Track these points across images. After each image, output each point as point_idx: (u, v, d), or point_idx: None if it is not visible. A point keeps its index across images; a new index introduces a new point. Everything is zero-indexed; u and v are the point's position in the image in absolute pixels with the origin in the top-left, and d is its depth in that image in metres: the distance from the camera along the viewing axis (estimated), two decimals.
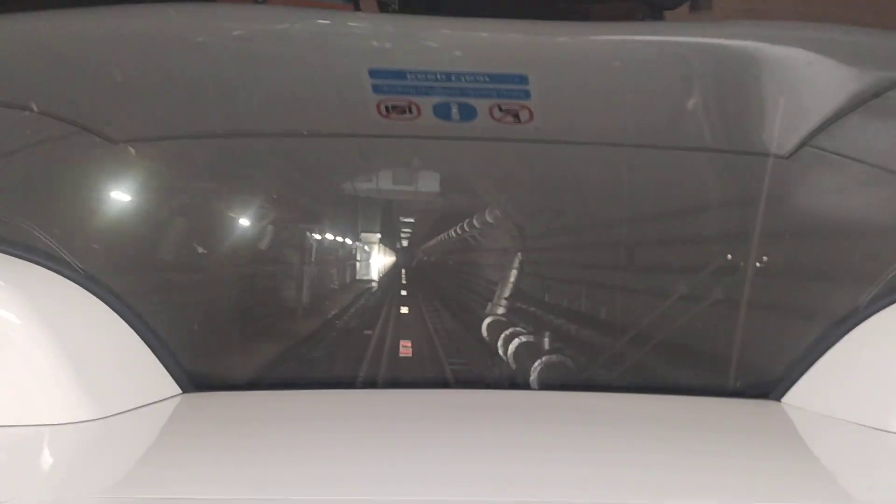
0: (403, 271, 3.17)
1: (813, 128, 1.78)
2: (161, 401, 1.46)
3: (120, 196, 1.95)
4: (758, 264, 1.74)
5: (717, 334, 1.80)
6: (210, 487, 1.00)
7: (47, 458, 1.18)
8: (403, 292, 3.07)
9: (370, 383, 1.80)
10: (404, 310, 2.84)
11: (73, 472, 1.13)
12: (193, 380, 1.55)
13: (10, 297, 1.35)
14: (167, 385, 1.50)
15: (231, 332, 2.01)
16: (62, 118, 1.83)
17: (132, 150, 1.91)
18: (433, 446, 1.20)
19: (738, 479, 1.09)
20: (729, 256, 1.82)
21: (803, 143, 1.81)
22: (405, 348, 2.28)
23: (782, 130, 1.83)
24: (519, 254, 2.50)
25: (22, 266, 1.45)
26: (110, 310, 1.49)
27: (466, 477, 1.05)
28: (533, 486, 1.01)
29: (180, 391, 1.51)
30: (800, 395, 1.48)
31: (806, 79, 1.75)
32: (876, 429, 1.29)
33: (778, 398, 1.50)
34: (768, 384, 1.54)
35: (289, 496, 0.96)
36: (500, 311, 2.38)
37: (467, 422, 1.37)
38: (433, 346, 2.43)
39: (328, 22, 1.99)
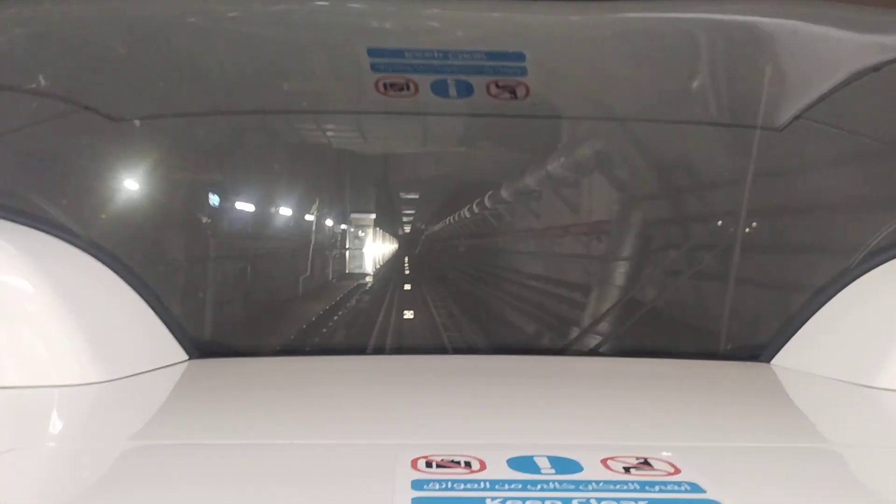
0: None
1: (810, 101, 1.81)
2: (169, 365, 1.50)
3: (124, 170, 1.99)
4: (748, 231, 1.78)
5: (709, 301, 1.84)
6: (225, 433, 1.05)
7: (63, 414, 1.23)
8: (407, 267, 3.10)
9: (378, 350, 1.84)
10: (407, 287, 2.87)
11: (89, 425, 1.17)
12: (200, 347, 1.59)
13: (24, 264, 1.39)
14: (175, 351, 1.54)
15: (237, 303, 2.06)
16: (65, 98, 1.87)
17: (134, 127, 1.95)
18: (444, 400, 1.25)
19: (723, 422, 1.14)
20: (720, 225, 1.86)
21: (797, 116, 1.84)
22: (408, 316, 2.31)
23: (778, 104, 1.87)
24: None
25: (34, 235, 1.49)
26: (118, 278, 1.53)
27: (469, 423, 1.10)
28: (536, 432, 1.06)
29: (187, 357, 1.55)
30: (789, 356, 1.52)
31: (804, 53, 1.78)
32: (862, 385, 1.33)
33: (768, 360, 1.55)
34: (759, 347, 1.58)
35: (294, 440, 1.01)
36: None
37: (466, 382, 1.42)
38: (431, 318, 2.46)
39: (326, 3, 2.02)
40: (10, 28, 1.85)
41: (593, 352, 1.73)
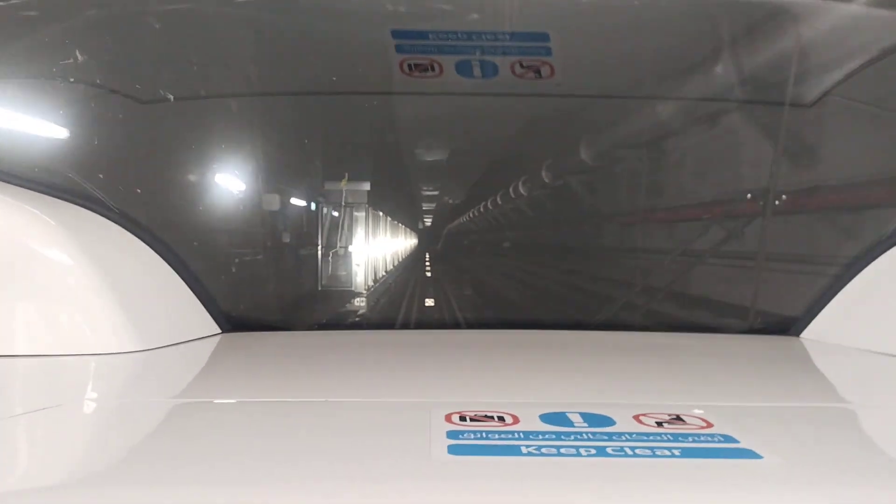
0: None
1: (839, 78, 1.80)
2: (204, 337, 1.53)
3: (158, 149, 2.02)
4: (777, 204, 1.77)
5: (740, 278, 1.84)
6: (263, 393, 1.08)
7: (101, 378, 1.26)
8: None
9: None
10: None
11: (128, 386, 1.20)
12: (232, 321, 1.62)
13: (62, 238, 1.42)
14: (208, 324, 1.57)
15: (268, 278, 2.09)
16: (94, 83, 1.91)
17: (165, 108, 1.98)
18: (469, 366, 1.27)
19: (751, 386, 1.14)
20: (749, 199, 1.86)
21: (827, 93, 1.83)
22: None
23: (806, 81, 1.86)
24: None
25: (72, 210, 1.52)
26: (153, 252, 1.56)
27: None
28: (569, 393, 1.07)
29: (220, 331, 1.58)
30: (819, 329, 1.52)
31: (833, 30, 1.77)
32: (891, 354, 1.33)
33: (798, 334, 1.55)
34: (789, 321, 1.58)
35: (330, 398, 1.03)
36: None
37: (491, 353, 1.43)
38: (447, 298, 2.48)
39: None
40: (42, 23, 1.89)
41: (623, 326, 1.74)
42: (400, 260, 3.50)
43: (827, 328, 1.51)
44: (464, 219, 3.30)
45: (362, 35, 2.06)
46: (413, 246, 3.44)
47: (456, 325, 1.98)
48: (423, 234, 3.41)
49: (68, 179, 1.60)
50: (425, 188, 3.35)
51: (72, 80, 1.85)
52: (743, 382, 1.17)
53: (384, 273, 3.18)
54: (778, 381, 1.17)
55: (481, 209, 3.20)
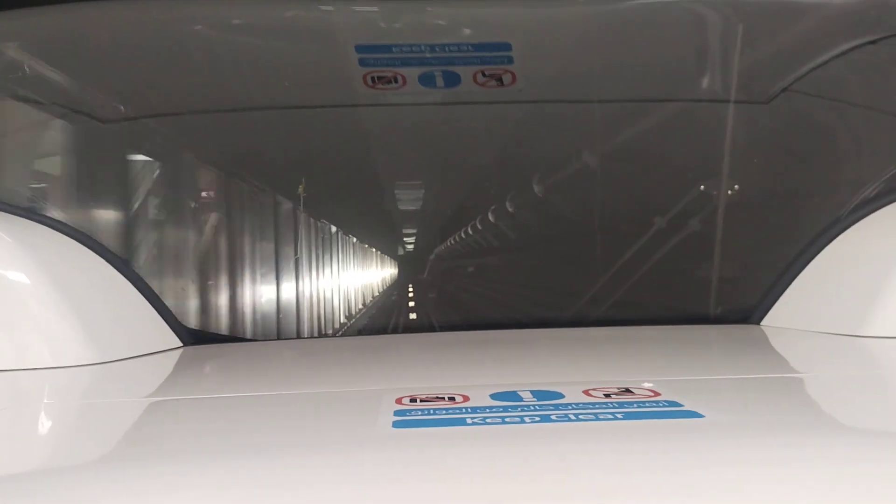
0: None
1: (799, 74, 1.84)
2: (165, 350, 1.52)
3: (113, 166, 2.03)
4: (730, 193, 1.80)
5: (697, 266, 1.85)
6: (233, 389, 1.08)
7: (59, 385, 1.24)
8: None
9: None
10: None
11: (85, 390, 1.19)
12: (194, 335, 1.61)
13: (20, 254, 1.42)
14: (170, 339, 1.56)
15: (226, 292, 2.08)
16: (55, 103, 1.92)
17: (123, 128, 1.99)
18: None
19: (703, 365, 1.16)
20: (704, 190, 1.89)
21: (784, 89, 1.87)
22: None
23: (764, 77, 1.90)
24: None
25: (31, 227, 1.52)
26: (112, 268, 1.55)
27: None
28: (521, 375, 1.07)
29: (181, 344, 1.57)
30: (779, 315, 1.53)
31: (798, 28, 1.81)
32: (850, 335, 1.34)
33: (758, 321, 1.56)
34: (749, 310, 1.59)
35: (281, 392, 1.03)
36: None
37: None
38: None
39: (330, 8, 2.05)
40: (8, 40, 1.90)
41: (583, 323, 1.75)
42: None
43: (787, 315, 1.52)
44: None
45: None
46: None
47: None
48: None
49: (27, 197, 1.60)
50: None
51: (35, 99, 1.86)
52: (696, 362, 1.18)
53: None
54: (731, 359, 1.18)
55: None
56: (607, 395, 0.90)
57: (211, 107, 2.09)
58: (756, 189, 1.90)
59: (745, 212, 1.88)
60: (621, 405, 0.85)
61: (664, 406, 0.84)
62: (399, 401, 0.91)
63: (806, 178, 1.87)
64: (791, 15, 1.85)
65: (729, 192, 1.80)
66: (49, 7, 1.90)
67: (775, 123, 1.94)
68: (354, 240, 3.34)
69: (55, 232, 1.54)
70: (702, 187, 1.84)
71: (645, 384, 0.96)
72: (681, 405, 0.84)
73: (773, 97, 1.94)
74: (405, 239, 3.38)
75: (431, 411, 0.86)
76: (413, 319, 2.51)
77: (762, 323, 1.55)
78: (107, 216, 1.94)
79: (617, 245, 1.94)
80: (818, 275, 1.50)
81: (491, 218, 2.65)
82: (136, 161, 2.04)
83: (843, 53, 1.78)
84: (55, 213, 1.65)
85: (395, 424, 0.81)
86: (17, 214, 1.53)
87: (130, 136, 2.00)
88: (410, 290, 2.76)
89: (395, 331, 2.36)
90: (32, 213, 1.56)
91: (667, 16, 1.96)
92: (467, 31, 2.01)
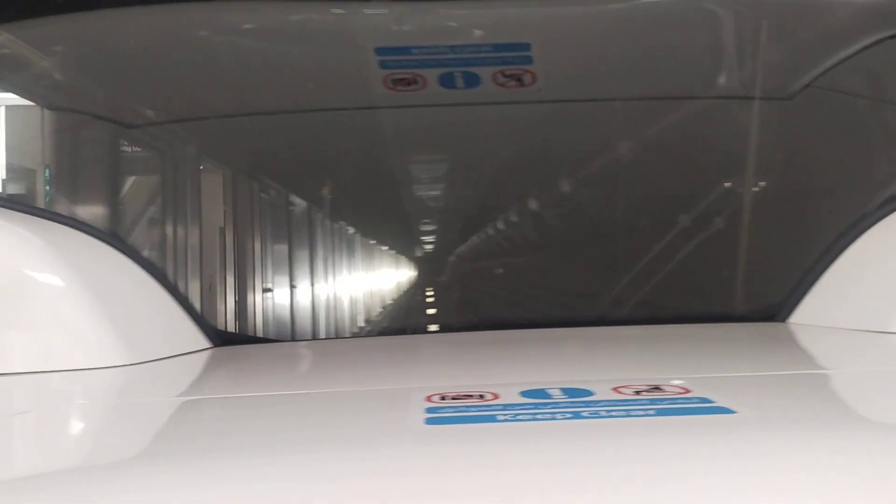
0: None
1: (820, 70, 1.83)
2: (194, 352, 1.53)
3: (142, 170, 2.05)
4: (755, 190, 1.79)
5: (723, 265, 1.85)
6: (266, 388, 1.09)
7: (88, 387, 1.26)
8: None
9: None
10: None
11: (115, 391, 1.21)
12: (221, 336, 1.63)
13: (49, 257, 1.44)
14: (198, 340, 1.58)
15: (254, 295, 2.10)
16: (79, 110, 1.95)
17: (146, 132, 2.01)
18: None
19: (731, 363, 1.15)
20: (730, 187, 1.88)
21: (807, 85, 1.86)
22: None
23: (786, 74, 1.89)
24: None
25: (60, 230, 1.54)
26: (141, 269, 1.57)
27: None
28: (550, 373, 1.08)
29: (210, 345, 1.59)
30: (805, 313, 1.52)
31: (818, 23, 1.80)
32: (877, 332, 1.33)
33: (784, 319, 1.55)
34: (775, 308, 1.58)
35: (311, 391, 1.04)
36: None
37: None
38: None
39: (342, 11, 2.07)
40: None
41: (609, 322, 1.75)
42: None
43: (813, 312, 1.51)
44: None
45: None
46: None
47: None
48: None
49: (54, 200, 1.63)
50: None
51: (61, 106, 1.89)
52: (725, 360, 1.18)
53: None
54: (759, 357, 1.18)
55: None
56: (637, 393, 0.90)
57: (235, 111, 2.11)
58: (780, 186, 1.90)
59: (771, 209, 1.87)
60: (653, 402, 0.85)
61: (696, 402, 0.85)
62: (429, 398, 0.92)
63: (831, 174, 1.86)
64: (813, 12, 1.84)
65: (754, 189, 1.79)
66: (77, 14, 1.93)
67: (799, 120, 1.93)
68: (373, 241, 3.36)
69: (82, 234, 1.56)
70: (727, 184, 1.84)
71: (674, 381, 0.96)
72: (712, 401, 0.84)
73: (796, 94, 1.93)
74: (422, 238, 3.39)
75: (462, 408, 0.87)
76: (434, 318, 2.51)
77: (788, 321, 1.54)
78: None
79: (642, 243, 1.94)
80: (844, 272, 1.49)
81: (513, 218, 2.65)
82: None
83: (867, 48, 1.77)
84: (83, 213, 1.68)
85: (428, 421, 0.82)
86: (43, 217, 1.55)
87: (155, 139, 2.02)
88: (431, 291, 2.76)
89: (416, 331, 2.37)
90: (58, 215, 1.58)
91: (687, 13, 1.95)
92: (486, 32, 2.02)
